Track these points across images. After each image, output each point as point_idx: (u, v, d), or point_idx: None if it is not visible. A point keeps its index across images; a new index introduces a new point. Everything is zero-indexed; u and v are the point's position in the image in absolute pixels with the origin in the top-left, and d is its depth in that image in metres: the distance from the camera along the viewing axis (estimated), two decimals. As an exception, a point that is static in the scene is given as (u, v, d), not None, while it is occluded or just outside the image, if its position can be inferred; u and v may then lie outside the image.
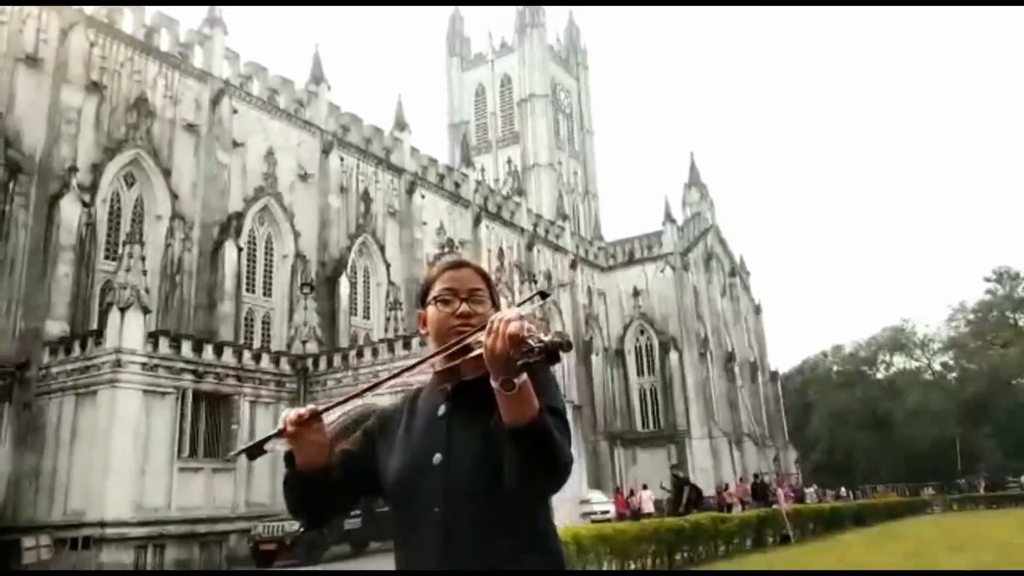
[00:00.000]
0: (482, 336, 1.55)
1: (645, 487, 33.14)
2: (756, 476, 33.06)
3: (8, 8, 25.28)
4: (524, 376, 1.50)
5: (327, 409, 1.80)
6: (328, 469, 1.84)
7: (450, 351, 1.74)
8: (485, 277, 1.94)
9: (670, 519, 16.34)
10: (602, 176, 71.43)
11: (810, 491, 39.95)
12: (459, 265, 1.95)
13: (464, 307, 1.85)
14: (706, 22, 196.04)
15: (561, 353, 1.49)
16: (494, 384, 1.51)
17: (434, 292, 1.90)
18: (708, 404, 50.19)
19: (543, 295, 1.77)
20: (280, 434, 1.78)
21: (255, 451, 1.84)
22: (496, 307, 1.90)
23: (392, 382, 1.88)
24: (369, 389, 1.95)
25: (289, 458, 1.84)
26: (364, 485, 1.93)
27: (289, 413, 1.78)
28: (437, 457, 1.75)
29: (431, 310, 1.89)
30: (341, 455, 1.95)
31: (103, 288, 25.13)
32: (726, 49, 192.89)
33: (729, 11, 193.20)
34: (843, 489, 51.43)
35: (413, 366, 1.82)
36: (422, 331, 1.94)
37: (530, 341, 1.47)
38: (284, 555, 19.75)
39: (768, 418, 58.74)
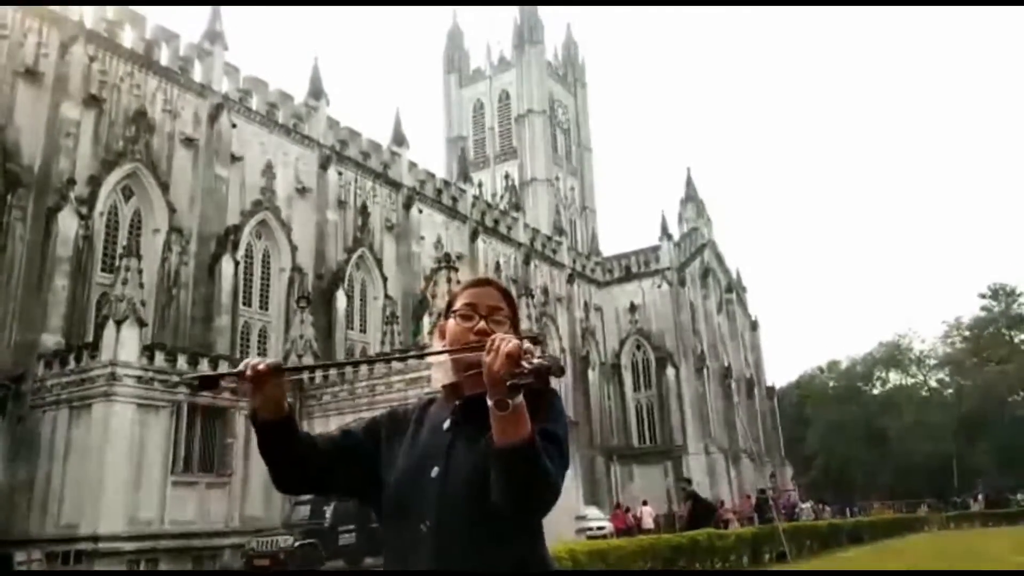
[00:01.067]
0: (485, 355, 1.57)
1: (645, 503, 33.01)
2: (762, 492, 32.65)
3: (9, 22, 25.41)
4: (520, 398, 1.51)
5: (293, 369, 1.81)
6: (288, 426, 1.83)
7: (453, 354, 1.77)
8: (508, 297, 1.95)
9: (667, 535, 16.30)
10: (599, 191, 71.49)
11: (806, 507, 39.63)
12: (482, 283, 1.97)
13: (482, 324, 1.85)
14: (704, 38, 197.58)
15: (551, 377, 1.51)
16: (488, 402, 1.54)
17: (455, 307, 1.92)
18: (704, 420, 50.07)
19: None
20: (239, 375, 1.76)
21: (210, 382, 1.89)
22: (516, 328, 1.90)
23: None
24: (363, 362, 1.95)
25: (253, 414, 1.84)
26: (353, 465, 1.91)
27: (252, 361, 1.77)
28: (435, 471, 1.76)
29: (450, 323, 1.90)
30: (340, 432, 1.97)
31: (99, 301, 25.05)
32: (723, 65, 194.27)
33: (726, 26, 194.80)
34: (825, 508, 50.73)
35: (411, 356, 1.85)
36: (439, 344, 1.94)
37: (523, 362, 1.50)
38: (278, 569, 19.60)
39: (765, 434, 58.54)
